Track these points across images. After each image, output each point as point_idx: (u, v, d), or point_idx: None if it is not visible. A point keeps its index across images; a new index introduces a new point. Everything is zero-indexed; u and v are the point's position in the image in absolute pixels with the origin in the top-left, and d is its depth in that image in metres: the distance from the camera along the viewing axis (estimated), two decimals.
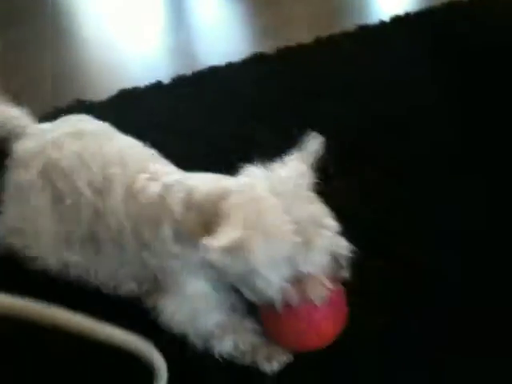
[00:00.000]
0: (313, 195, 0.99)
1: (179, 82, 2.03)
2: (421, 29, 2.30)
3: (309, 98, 1.89)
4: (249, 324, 1.09)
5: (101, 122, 1.33)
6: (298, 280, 0.95)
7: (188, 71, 2.07)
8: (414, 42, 2.22)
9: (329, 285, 0.96)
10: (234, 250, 0.88)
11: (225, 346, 1.06)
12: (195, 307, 1.07)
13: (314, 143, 1.03)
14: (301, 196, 0.96)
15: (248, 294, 1.00)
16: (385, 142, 1.66)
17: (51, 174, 1.17)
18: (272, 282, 0.93)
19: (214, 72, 2.08)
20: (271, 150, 1.03)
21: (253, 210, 0.92)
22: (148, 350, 0.72)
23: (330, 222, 0.96)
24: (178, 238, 1.03)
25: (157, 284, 1.11)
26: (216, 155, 1.59)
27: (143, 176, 1.12)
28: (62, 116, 1.40)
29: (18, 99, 1.39)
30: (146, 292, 1.14)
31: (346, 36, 2.30)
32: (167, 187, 1.07)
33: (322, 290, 0.96)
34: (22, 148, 1.25)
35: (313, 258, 0.93)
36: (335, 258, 0.96)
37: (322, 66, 2.09)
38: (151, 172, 1.13)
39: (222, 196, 0.98)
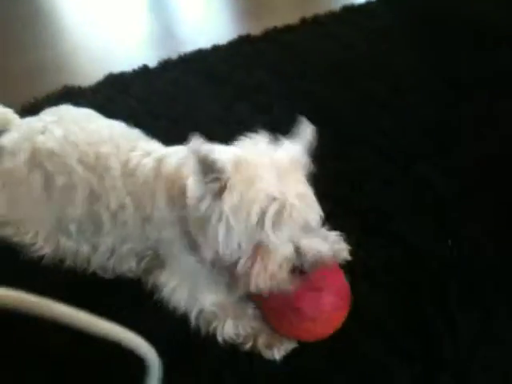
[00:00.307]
0: (303, 177, 0.99)
1: (166, 65, 2.04)
2: (404, 8, 2.33)
3: (295, 78, 1.91)
4: (250, 310, 1.09)
5: (83, 109, 1.34)
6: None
7: (174, 55, 2.08)
8: (397, 21, 2.24)
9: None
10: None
11: (227, 330, 1.06)
12: (193, 283, 1.08)
13: (305, 130, 1.03)
14: (293, 173, 0.97)
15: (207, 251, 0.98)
16: (371, 120, 1.68)
17: (39, 157, 1.18)
18: (234, 234, 0.92)
19: (200, 55, 2.09)
20: (261, 131, 1.04)
21: (248, 167, 0.93)
22: (140, 344, 0.72)
23: (315, 205, 0.96)
24: (170, 204, 1.06)
25: (157, 260, 1.13)
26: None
27: (136, 153, 1.15)
28: (50, 103, 1.41)
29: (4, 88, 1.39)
30: (146, 270, 1.15)
31: (332, 16, 2.32)
32: (159, 160, 1.11)
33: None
34: (7, 139, 1.25)
35: (281, 228, 0.91)
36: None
37: (308, 46, 2.11)
38: (143, 149, 1.16)
39: None
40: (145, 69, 2.02)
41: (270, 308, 1.05)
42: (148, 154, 1.14)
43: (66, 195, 1.16)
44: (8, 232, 1.25)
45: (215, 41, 2.14)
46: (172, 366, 1.00)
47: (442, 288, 1.15)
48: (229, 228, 0.92)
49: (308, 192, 0.97)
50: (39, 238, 1.22)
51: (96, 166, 1.15)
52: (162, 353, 0.71)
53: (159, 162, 1.11)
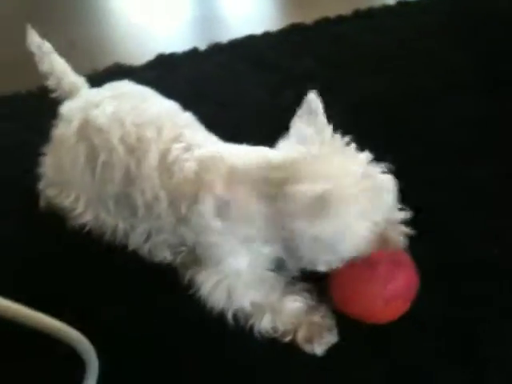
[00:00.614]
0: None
1: (215, 49, 2.04)
2: (459, 3, 2.27)
3: (344, 69, 1.88)
4: (288, 303, 1.07)
5: (141, 86, 1.32)
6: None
7: (224, 39, 2.08)
8: (452, 17, 2.19)
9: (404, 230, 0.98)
10: (324, 200, 0.88)
11: (264, 324, 1.05)
12: (233, 284, 1.07)
13: (316, 103, 1.04)
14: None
15: (310, 263, 0.99)
16: (422, 117, 1.64)
17: (88, 130, 1.19)
18: (356, 235, 0.93)
19: (250, 41, 2.08)
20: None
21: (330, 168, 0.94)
22: (79, 340, 0.70)
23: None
24: (220, 213, 1.02)
25: (194, 257, 1.12)
26: (249, 125, 1.60)
27: (178, 146, 1.10)
28: (100, 79, 1.43)
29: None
30: (182, 264, 1.16)
31: (386, 10, 2.28)
32: (203, 163, 1.06)
33: (400, 236, 0.97)
34: (67, 107, 1.28)
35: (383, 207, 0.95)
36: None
37: (359, 38, 2.08)
38: (186, 141, 1.11)
39: (277, 167, 0.99)
40: (194, 51, 2.02)
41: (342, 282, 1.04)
42: (190, 148, 1.10)
43: (106, 172, 1.16)
44: (51, 193, 1.29)
45: (266, 27, 2.13)
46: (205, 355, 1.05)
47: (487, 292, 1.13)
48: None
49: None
50: (80, 204, 1.24)
51: (135, 149, 1.13)
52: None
53: (204, 165, 1.06)
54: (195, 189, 1.05)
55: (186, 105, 1.32)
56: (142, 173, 1.11)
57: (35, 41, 1.34)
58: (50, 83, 1.36)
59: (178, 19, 2.37)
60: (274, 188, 0.96)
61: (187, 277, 1.12)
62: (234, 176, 1.03)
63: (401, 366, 1.02)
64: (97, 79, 1.50)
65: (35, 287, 1.16)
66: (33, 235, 1.31)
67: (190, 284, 1.11)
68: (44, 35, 1.34)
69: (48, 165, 1.31)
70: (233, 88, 1.80)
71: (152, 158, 1.10)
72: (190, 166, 1.07)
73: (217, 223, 1.03)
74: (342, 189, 0.90)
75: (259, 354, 1.05)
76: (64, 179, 1.26)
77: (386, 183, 0.95)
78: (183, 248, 1.15)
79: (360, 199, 0.91)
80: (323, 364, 1.02)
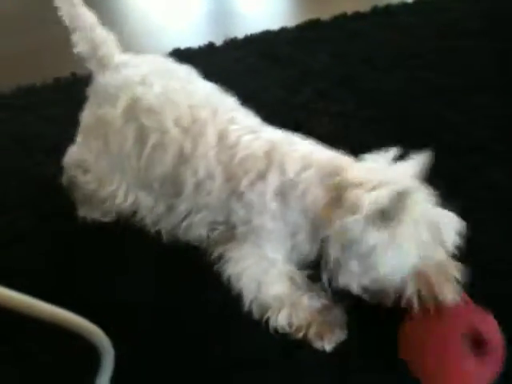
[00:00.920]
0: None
1: (231, 44, 2.04)
2: (477, 2, 2.25)
3: (360, 66, 1.87)
4: (306, 300, 1.06)
5: (182, 65, 1.27)
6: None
7: (241, 34, 2.07)
8: (470, 16, 2.16)
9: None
10: (384, 217, 0.88)
11: (280, 319, 1.04)
12: (264, 271, 1.05)
13: (420, 157, 0.98)
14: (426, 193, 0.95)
15: (345, 277, 0.97)
16: (438, 115, 1.62)
17: (136, 110, 1.13)
18: (404, 259, 0.91)
19: (267, 36, 2.07)
20: (325, 117, 1.03)
21: (398, 190, 0.89)
22: (95, 333, 0.70)
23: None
24: (282, 194, 1.01)
25: (231, 235, 1.10)
26: (265, 120, 1.58)
27: (235, 127, 1.09)
28: None
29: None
30: (215, 240, 1.12)
31: (404, 7, 2.26)
32: (275, 144, 1.05)
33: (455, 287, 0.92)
34: (106, 81, 1.20)
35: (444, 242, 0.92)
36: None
37: (376, 35, 2.06)
38: (243, 124, 1.10)
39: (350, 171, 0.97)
40: (210, 46, 2.02)
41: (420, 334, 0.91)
42: (251, 131, 1.09)
43: (156, 153, 1.12)
44: (88, 179, 1.23)
45: (283, 23, 2.12)
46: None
47: None
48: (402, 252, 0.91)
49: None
50: (120, 192, 1.20)
51: (190, 129, 1.10)
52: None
53: (277, 146, 1.05)
54: (263, 167, 1.03)
55: None
56: (196, 152, 1.09)
57: None
58: (76, 38, 1.23)
59: (193, 14, 2.37)
60: (339, 188, 0.95)
61: (216, 253, 1.10)
62: (307, 162, 1.01)
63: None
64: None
65: (49, 279, 1.15)
66: (46, 227, 1.29)
67: (218, 260, 1.09)
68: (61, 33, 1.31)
69: (82, 146, 1.24)
70: (249, 83, 1.78)
71: (210, 138, 1.08)
72: (260, 144, 1.06)
73: (274, 204, 1.02)
74: (415, 199, 0.89)
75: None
76: (108, 164, 1.20)
77: (455, 222, 0.93)
78: (220, 227, 1.12)
79: (423, 223, 0.90)
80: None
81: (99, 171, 1.21)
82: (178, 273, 1.16)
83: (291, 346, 1.03)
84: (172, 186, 1.13)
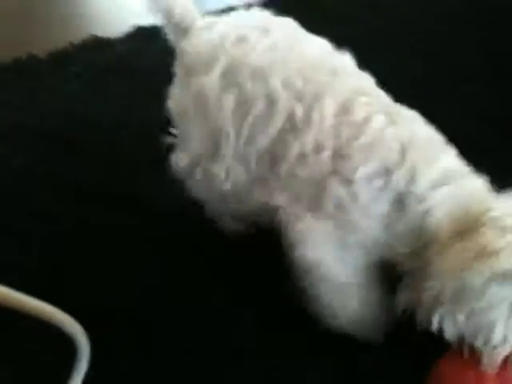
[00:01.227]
0: None
1: None
2: None
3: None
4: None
5: (287, 18, 1.08)
6: None
7: (206, 9, 2.00)
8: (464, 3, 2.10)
9: None
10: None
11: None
12: (346, 260, 0.95)
13: None
14: None
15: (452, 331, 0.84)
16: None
17: (237, 74, 0.97)
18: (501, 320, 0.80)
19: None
20: None
21: None
22: (68, 322, 0.68)
23: None
24: (399, 203, 0.88)
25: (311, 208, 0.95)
26: None
27: (365, 100, 0.93)
28: (76, 51, 1.36)
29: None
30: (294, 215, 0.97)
31: None
32: (414, 140, 0.90)
33: None
34: (194, 47, 1.04)
35: None
36: None
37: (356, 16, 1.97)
38: (376, 100, 0.95)
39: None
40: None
41: None
42: (385, 110, 0.93)
43: (260, 123, 0.97)
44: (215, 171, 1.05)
45: None
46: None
47: None
48: None
49: None
50: (222, 171, 1.03)
51: (304, 94, 0.94)
52: None
53: (413, 139, 0.90)
54: (390, 162, 0.89)
55: (171, 78, 1.27)
56: (308, 122, 0.93)
57: None
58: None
59: None
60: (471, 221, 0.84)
61: (293, 229, 0.96)
62: (445, 177, 0.88)
63: None
64: (72, 52, 1.44)
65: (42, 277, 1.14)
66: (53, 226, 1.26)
67: (291, 235, 0.96)
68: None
69: (192, 136, 1.06)
70: None
71: (327, 109, 0.92)
72: (395, 133, 0.90)
73: (386, 210, 0.89)
74: None
75: None
76: (211, 141, 1.02)
77: None
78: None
79: None
80: None
81: (204, 152, 1.04)
82: (178, 274, 1.15)
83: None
84: (267, 161, 0.98)
